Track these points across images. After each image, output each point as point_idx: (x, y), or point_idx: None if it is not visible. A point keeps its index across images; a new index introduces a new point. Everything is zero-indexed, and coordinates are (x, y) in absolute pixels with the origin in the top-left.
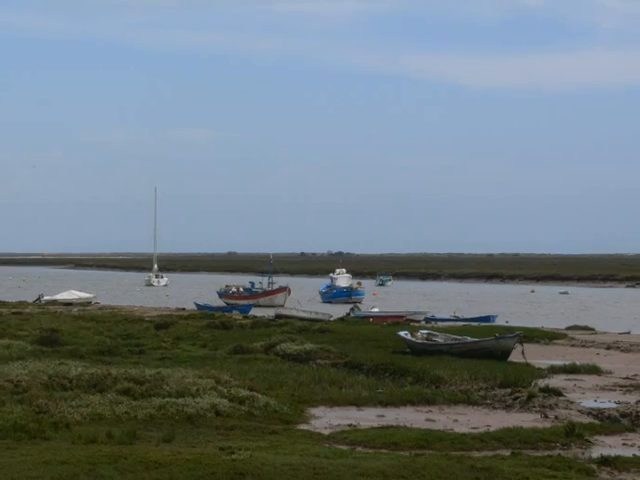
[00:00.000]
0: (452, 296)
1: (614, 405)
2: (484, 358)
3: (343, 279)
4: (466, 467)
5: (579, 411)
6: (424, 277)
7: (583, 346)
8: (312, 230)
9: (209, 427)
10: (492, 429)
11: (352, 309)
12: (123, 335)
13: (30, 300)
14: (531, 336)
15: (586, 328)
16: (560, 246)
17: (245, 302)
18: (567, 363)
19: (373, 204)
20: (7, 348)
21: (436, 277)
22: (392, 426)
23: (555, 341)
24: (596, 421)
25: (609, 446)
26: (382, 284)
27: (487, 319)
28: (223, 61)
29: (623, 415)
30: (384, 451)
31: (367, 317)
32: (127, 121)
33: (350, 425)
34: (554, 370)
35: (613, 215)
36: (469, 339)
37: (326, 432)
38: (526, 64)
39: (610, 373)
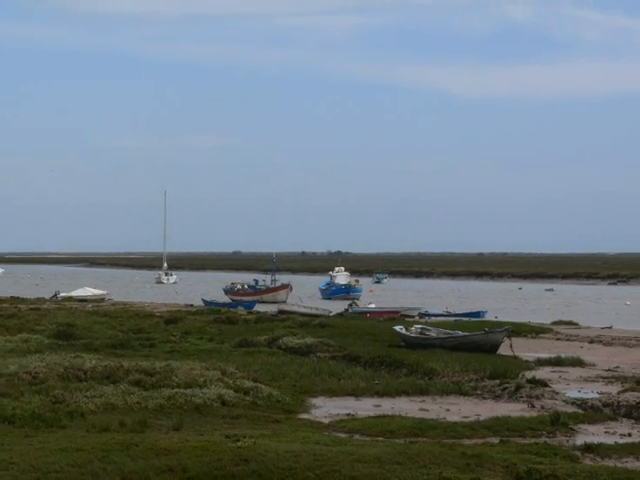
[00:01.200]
0: (444, 293)
1: (597, 395)
2: (474, 351)
3: (342, 277)
4: (457, 454)
5: (564, 401)
6: (418, 275)
7: (567, 340)
8: (312, 230)
9: (215, 416)
10: (482, 418)
11: (350, 305)
12: (134, 330)
13: (47, 297)
14: (519, 330)
15: (570, 323)
16: (546, 246)
17: (249, 298)
18: (552, 356)
19: (370, 206)
20: (25, 342)
21: (429, 275)
22: (388, 415)
23: (541, 335)
24: (580, 410)
25: (592, 434)
26: (379, 282)
27: (477, 314)
28: (228, 72)
29: (605, 405)
30: (380, 439)
31: (364, 313)
32: (138, 128)
33: (348, 414)
34: (540, 362)
35: (595, 217)
36: (460, 333)
37: (326, 421)
38: (513, 75)
39: (593, 365)
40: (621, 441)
